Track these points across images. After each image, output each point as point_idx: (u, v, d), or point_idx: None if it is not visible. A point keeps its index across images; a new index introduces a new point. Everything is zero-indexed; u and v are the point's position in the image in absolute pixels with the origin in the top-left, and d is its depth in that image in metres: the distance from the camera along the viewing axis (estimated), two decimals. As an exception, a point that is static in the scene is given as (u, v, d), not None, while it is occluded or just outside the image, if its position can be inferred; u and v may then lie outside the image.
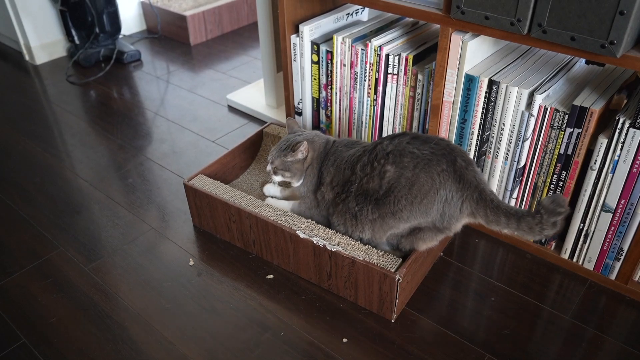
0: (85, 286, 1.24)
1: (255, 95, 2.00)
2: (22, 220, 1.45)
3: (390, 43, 1.34)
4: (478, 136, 1.25)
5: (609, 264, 1.19)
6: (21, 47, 2.34)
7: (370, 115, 1.45)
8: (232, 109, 1.98)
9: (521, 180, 1.24)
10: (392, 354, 1.08)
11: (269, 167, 1.28)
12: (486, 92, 1.18)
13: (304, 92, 1.56)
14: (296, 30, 1.48)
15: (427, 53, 1.35)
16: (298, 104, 1.61)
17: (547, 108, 1.11)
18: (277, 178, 1.27)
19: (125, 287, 1.24)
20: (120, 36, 2.45)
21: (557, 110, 1.11)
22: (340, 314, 1.16)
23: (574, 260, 1.24)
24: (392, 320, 1.14)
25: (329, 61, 1.45)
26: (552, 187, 1.19)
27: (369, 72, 1.38)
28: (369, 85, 1.40)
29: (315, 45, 1.46)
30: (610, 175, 1.08)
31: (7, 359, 1.08)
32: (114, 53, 2.30)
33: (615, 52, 0.93)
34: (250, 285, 1.24)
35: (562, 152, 1.14)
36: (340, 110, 1.52)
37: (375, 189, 1.09)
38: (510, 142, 1.20)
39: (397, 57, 1.31)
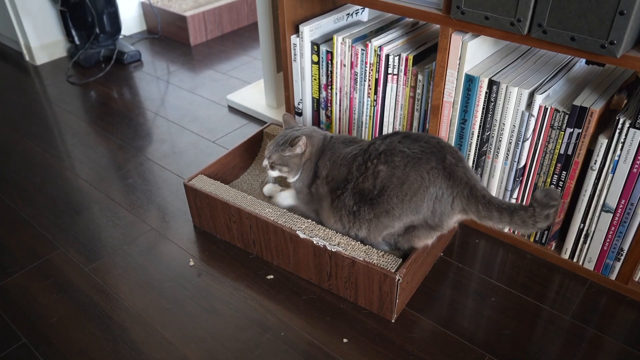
0: (85, 286, 1.24)
1: (255, 96, 2.00)
2: (22, 221, 1.45)
3: (390, 43, 1.34)
4: (478, 136, 1.25)
5: (609, 264, 1.19)
6: (21, 48, 2.34)
7: (370, 116, 1.45)
8: (232, 110, 1.98)
9: (521, 181, 1.24)
10: (392, 354, 1.08)
11: (265, 162, 1.27)
12: (486, 93, 1.18)
13: (304, 92, 1.56)
14: (296, 31, 1.48)
15: (427, 53, 1.35)
16: (298, 104, 1.61)
17: (547, 108, 1.11)
18: (274, 173, 1.27)
19: (126, 287, 1.24)
20: (121, 36, 2.45)
21: (557, 111, 1.11)
22: (340, 314, 1.16)
23: (574, 260, 1.24)
24: (392, 321, 1.14)
25: (329, 61, 1.45)
26: (553, 187, 1.19)
27: (369, 73, 1.38)
28: (369, 86, 1.40)
29: (315, 46, 1.46)
30: (610, 175, 1.08)
31: (7, 359, 1.08)
32: (114, 53, 2.30)
33: (615, 52, 0.93)
34: (250, 285, 1.24)
35: (562, 152, 1.14)
36: (340, 110, 1.52)
37: (370, 189, 1.10)
38: (510, 142, 1.20)
39: (397, 57, 1.31)
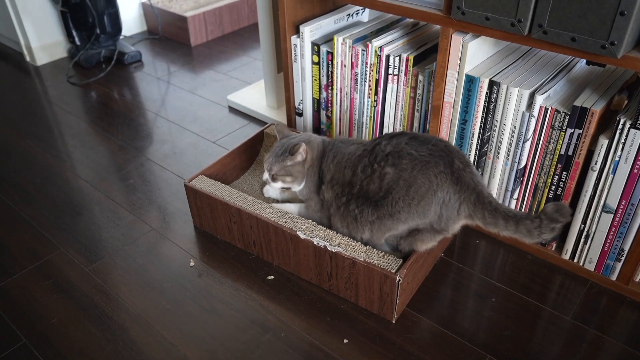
0: (85, 287, 1.24)
1: (255, 96, 2.00)
2: (23, 221, 1.45)
3: (390, 44, 1.34)
4: (479, 137, 1.25)
5: (609, 264, 1.19)
6: (22, 48, 2.34)
7: (370, 116, 1.45)
8: (233, 110, 1.98)
9: (522, 181, 1.24)
10: (393, 354, 1.08)
11: (266, 176, 1.25)
12: (487, 93, 1.18)
13: (305, 93, 1.56)
14: (297, 31, 1.48)
15: (427, 54, 1.35)
16: (299, 104, 1.61)
17: (547, 109, 1.11)
18: (277, 185, 1.24)
19: (126, 288, 1.24)
20: (121, 37, 2.45)
21: (557, 111, 1.10)
22: (340, 315, 1.16)
23: (575, 261, 1.24)
24: (393, 321, 1.14)
25: (330, 62, 1.45)
26: (553, 187, 1.19)
27: (370, 73, 1.38)
28: (369, 86, 1.40)
29: (315, 46, 1.46)
30: (611, 175, 1.08)
31: (8, 360, 1.08)
32: (115, 54, 2.30)
33: (616, 53, 0.93)
34: (250, 286, 1.24)
35: (562, 152, 1.14)
36: (340, 111, 1.52)
37: (376, 191, 1.09)
38: (510, 143, 1.20)
39: (398, 57, 1.31)
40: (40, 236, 1.39)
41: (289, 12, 1.44)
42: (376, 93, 1.40)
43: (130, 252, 1.34)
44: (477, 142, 1.25)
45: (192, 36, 2.49)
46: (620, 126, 1.02)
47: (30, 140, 1.80)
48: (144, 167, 1.66)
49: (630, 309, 1.17)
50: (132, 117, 1.94)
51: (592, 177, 1.11)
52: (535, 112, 1.13)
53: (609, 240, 1.15)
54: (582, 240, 1.20)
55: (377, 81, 1.38)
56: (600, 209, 1.13)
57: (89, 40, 2.30)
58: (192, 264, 1.30)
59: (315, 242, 1.15)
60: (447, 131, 1.28)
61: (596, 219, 1.15)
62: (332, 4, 1.56)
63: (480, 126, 1.23)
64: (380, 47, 1.33)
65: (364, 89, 1.42)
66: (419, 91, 1.32)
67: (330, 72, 1.47)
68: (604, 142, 1.06)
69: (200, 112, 1.96)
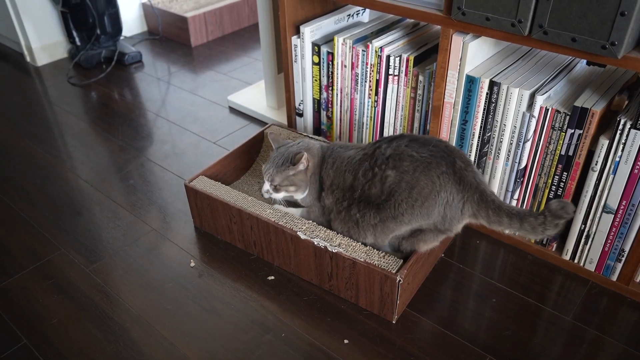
0: (86, 287, 1.24)
1: (256, 97, 2.00)
2: (23, 221, 1.45)
3: (391, 44, 1.34)
4: (479, 137, 1.25)
5: (610, 265, 1.18)
6: (22, 49, 2.34)
7: (371, 117, 1.45)
8: (233, 110, 1.98)
9: (522, 182, 1.24)
10: (393, 355, 1.08)
11: (266, 187, 1.22)
12: (487, 93, 1.18)
13: (305, 93, 1.56)
14: (297, 32, 1.48)
15: (428, 54, 1.35)
16: (299, 105, 1.61)
17: (548, 109, 1.11)
18: (280, 195, 1.23)
19: (126, 288, 1.24)
20: (121, 37, 2.45)
21: (558, 112, 1.11)
22: (341, 315, 1.16)
23: (575, 261, 1.24)
24: (393, 322, 1.14)
25: (330, 62, 1.45)
26: (553, 188, 1.19)
27: (370, 74, 1.38)
28: (369, 87, 1.40)
29: (316, 47, 1.46)
30: (611, 176, 1.08)
31: (8, 360, 1.08)
32: (115, 54, 2.30)
33: (616, 53, 0.93)
34: (251, 286, 1.24)
35: (563, 153, 1.14)
36: (341, 111, 1.52)
37: (377, 195, 1.09)
38: (511, 143, 1.20)
39: (398, 58, 1.31)
40: (41, 236, 1.39)
41: (289, 13, 1.44)
42: (376, 93, 1.40)
43: (130, 252, 1.34)
44: (478, 142, 1.25)
45: (192, 36, 2.49)
46: (620, 127, 1.02)
47: (31, 141, 1.80)
48: (144, 168, 1.66)
49: (630, 309, 1.17)
50: (133, 117, 1.94)
51: (592, 177, 1.11)
52: (536, 113, 1.13)
53: (609, 241, 1.15)
54: (583, 240, 1.20)
55: (377, 82, 1.38)
56: (600, 209, 1.13)
57: (89, 41, 2.30)
58: (192, 264, 1.30)
59: (315, 243, 1.15)
60: (448, 132, 1.28)
61: (596, 220, 1.15)
62: (332, 4, 1.56)
63: (481, 127, 1.23)
64: (381, 47, 1.33)
65: (365, 90, 1.42)
66: (420, 92, 1.32)
67: (330, 73, 1.47)
68: (604, 142, 1.06)
69: (200, 113, 1.96)
